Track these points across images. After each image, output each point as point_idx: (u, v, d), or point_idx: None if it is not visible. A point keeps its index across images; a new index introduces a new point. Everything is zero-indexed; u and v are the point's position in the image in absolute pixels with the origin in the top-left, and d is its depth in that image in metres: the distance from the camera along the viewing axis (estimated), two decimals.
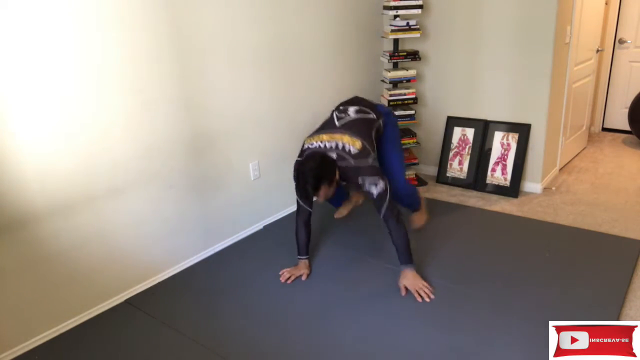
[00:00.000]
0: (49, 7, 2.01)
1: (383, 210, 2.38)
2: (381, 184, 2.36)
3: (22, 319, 2.17)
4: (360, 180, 2.37)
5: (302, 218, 2.59)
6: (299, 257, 2.66)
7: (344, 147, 2.39)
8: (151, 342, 2.21)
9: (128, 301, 2.51)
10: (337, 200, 3.25)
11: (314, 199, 2.47)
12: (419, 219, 3.08)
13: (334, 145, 2.41)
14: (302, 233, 2.62)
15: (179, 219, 2.73)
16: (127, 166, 2.42)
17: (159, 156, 2.56)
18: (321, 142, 2.44)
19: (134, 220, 2.50)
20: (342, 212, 3.30)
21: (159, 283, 2.66)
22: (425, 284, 2.43)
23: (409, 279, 2.44)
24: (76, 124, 2.19)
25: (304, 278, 2.61)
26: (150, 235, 2.60)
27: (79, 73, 2.16)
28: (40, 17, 1.99)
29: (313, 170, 2.28)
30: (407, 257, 2.45)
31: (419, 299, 2.37)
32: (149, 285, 2.63)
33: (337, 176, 2.38)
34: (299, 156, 2.51)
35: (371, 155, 2.42)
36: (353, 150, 2.39)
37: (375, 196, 2.37)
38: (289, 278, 2.59)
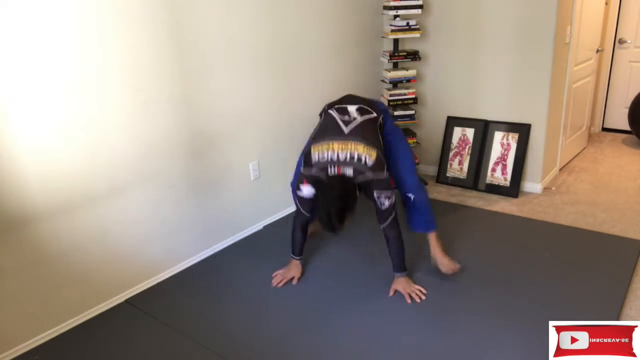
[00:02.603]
0: (49, 7, 2.01)
1: (388, 221, 2.36)
2: (393, 198, 2.34)
3: (22, 318, 2.17)
4: (376, 194, 2.30)
5: (300, 221, 2.56)
6: (292, 256, 2.62)
7: (359, 158, 2.24)
8: (151, 342, 2.21)
9: (128, 301, 2.51)
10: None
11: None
12: (447, 263, 2.55)
13: (348, 156, 2.24)
14: (298, 234, 2.57)
15: (178, 218, 2.73)
16: (127, 166, 2.42)
17: (159, 156, 2.56)
18: (333, 151, 2.26)
19: (134, 220, 2.50)
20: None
21: (159, 283, 2.66)
22: (418, 287, 2.44)
23: (402, 284, 2.45)
24: (76, 124, 2.19)
25: (295, 282, 2.57)
26: (150, 235, 2.60)
27: (79, 73, 2.16)
28: (40, 16, 1.99)
29: (337, 204, 2.17)
30: (402, 266, 2.45)
31: (409, 300, 2.38)
32: (149, 285, 2.63)
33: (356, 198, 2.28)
34: (306, 164, 2.34)
35: (385, 165, 2.32)
36: (370, 162, 2.25)
37: (385, 208, 2.33)
38: (280, 282, 2.57)
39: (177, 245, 2.75)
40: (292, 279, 2.58)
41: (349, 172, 2.25)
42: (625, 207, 3.35)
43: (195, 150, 2.73)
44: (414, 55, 3.68)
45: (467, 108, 3.83)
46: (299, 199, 2.43)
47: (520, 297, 2.37)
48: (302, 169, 2.37)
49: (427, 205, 2.58)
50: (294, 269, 2.61)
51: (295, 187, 2.43)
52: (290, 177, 2.83)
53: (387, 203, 2.33)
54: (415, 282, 2.48)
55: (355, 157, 2.25)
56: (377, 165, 2.27)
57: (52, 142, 2.12)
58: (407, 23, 3.56)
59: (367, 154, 2.25)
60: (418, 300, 2.37)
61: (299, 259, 2.63)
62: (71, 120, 2.17)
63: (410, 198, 2.55)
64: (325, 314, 2.33)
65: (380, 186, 2.31)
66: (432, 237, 2.57)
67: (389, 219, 2.36)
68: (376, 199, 2.32)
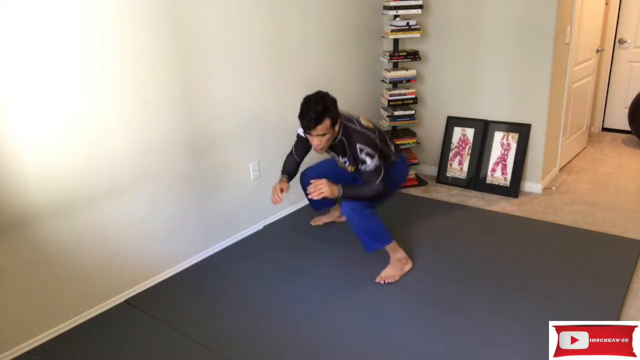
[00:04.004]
0: (49, 8, 2.01)
1: (374, 181, 2.38)
2: (376, 160, 2.36)
3: (22, 318, 2.17)
4: (358, 146, 2.36)
5: (298, 149, 2.70)
6: (282, 174, 2.72)
7: (357, 118, 2.50)
8: (151, 342, 2.21)
9: (128, 301, 2.51)
10: (320, 203, 2.96)
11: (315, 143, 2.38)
12: (391, 270, 2.60)
13: (345, 113, 2.50)
14: (291, 160, 2.73)
15: (179, 218, 2.73)
16: (127, 166, 2.42)
17: (159, 156, 2.56)
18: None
19: (134, 220, 2.50)
20: (321, 219, 3.24)
21: (159, 283, 2.66)
22: (322, 188, 2.35)
23: (327, 185, 2.36)
24: (76, 124, 2.19)
25: (285, 193, 2.62)
26: (150, 235, 2.60)
27: (80, 73, 2.16)
28: (41, 16, 1.99)
29: (321, 98, 2.30)
30: (348, 191, 2.41)
31: (311, 191, 2.37)
32: (149, 285, 2.63)
33: (338, 127, 2.40)
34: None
35: (378, 139, 2.44)
36: (363, 123, 2.47)
37: (369, 169, 2.37)
38: (276, 199, 2.55)
39: (177, 245, 2.76)
40: (281, 190, 2.60)
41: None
42: (625, 207, 3.35)
43: (196, 150, 2.73)
44: (414, 55, 3.68)
45: (467, 108, 3.83)
46: (297, 140, 2.70)
47: (520, 297, 2.37)
48: None
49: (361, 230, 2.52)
50: (281, 182, 2.65)
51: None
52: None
53: (369, 162, 2.36)
54: (415, 282, 2.48)
55: (351, 116, 2.51)
56: (368, 129, 2.45)
57: (53, 142, 2.12)
58: (407, 23, 3.56)
59: (365, 120, 2.50)
60: (314, 193, 2.36)
61: (286, 177, 2.70)
62: (71, 121, 2.17)
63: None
64: (325, 314, 2.33)
65: (363, 140, 2.38)
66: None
67: (376, 181, 2.38)
68: (358, 154, 2.36)
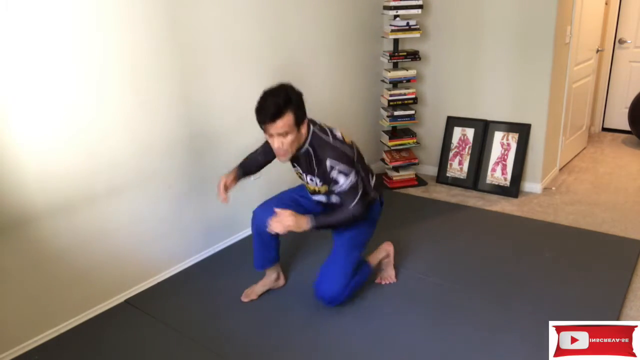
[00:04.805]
0: (50, 7, 2.01)
1: (349, 204, 2.03)
2: (352, 178, 2.02)
3: (22, 318, 2.17)
4: (329, 163, 2.00)
5: (265, 151, 2.30)
6: (236, 167, 2.33)
7: (332, 130, 2.11)
8: (151, 342, 2.21)
9: (128, 301, 2.51)
10: (266, 257, 2.46)
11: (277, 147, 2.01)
12: (387, 270, 2.53)
13: (318, 122, 2.15)
14: (253, 157, 2.36)
15: (178, 218, 2.73)
16: (127, 166, 2.42)
17: (159, 156, 2.56)
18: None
19: (133, 220, 2.50)
20: (254, 291, 2.49)
21: (158, 283, 2.66)
22: (289, 224, 2.01)
23: (292, 219, 2.01)
24: (76, 124, 2.19)
25: (229, 189, 2.24)
26: (150, 235, 2.60)
27: (80, 73, 2.16)
28: (41, 16, 1.99)
29: (283, 89, 1.96)
30: (320, 220, 2.06)
31: (270, 225, 2.03)
32: (148, 285, 2.63)
33: (305, 131, 2.03)
34: None
35: (357, 159, 2.12)
36: (339, 136, 2.10)
37: (342, 188, 2.02)
38: (223, 197, 2.23)
39: (177, 245, 2.75)
40: (225, 187, 2.23)
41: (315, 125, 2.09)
42: (625, 207, 3.35)
43: (195, 150, 2.73)
44: (414, 55, 3.68)
45: (467, 108, 3.83)
46: (264, 144, 2.30)
47: (520, 297, 2.37)
48: None
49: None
50: (227, 175, 2.28)
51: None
52: (290, 176, 2.83)
53: (342, 180, 2.01)
54: (414, 282, 2.48)
55: (328, 128, 2.13)
56: (345, 145, 2.07)
57: (53, 142, 2.12)
58: (407, 23, 3.56)
59: (342, 133, 2.12)
60: (276, 224, 2.02)
61: (238, 170, 2.32)
62: (71, 120, 2.17)
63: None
64: (325, 314, 2.33)
65: (334, 154, 2.02)
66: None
67: (352, 203, 2.02)
68: (327, 172, 2.01)
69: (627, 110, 4.73)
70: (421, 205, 3.53)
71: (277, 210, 2.05)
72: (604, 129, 5.19)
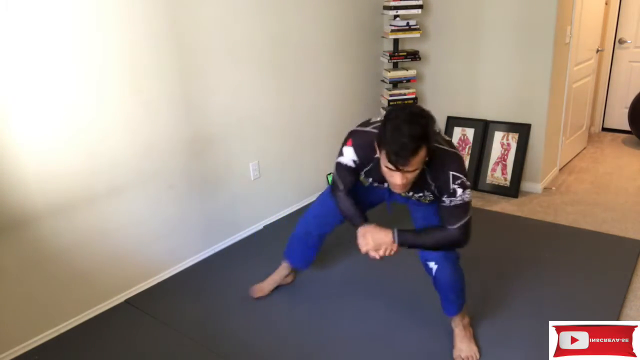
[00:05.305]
0: (50, 7, 2.01)
1: (457, 223, 1.71)
2: (469, 194, 1.69)
3: (22, 318, 2.17)
4: (452, 175, 1.66)
5: (346, 183, 1.89)
6: (359, 225, 1.89)
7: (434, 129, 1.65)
8: (151, 342, 2.21)
9: (128, 301, 2.51)
10: (309, 252, 2.34)
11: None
12: (468, 344, 2.03)
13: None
14: (348, 201, 1.91)
15: (179, 218, 2.73)
16: (127, 166, 2.42)
17: (159, 156, 2.56)
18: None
19: (134, 220, 2.50)
20: (262, 288, 2.47)
21: (159, 283, 2.66)
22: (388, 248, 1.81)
23: (374, 231, 1.81)
24: (76, 124, 2.19)
25: (389, 252, 1.84)
26: (150, 235, 2.60)
27: (80, 73, 2.16)
28: (41, 16, 1.99)
29: (418, 116, 1.54)
30: (407, 237, 1.82)
31: (376, 255, 1.82)
32: (149, 285, 2.63)
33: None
34: (360, 125, 1.85)
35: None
36: (447, 137, 1.77)
37: (455, 201, 1.69)
38: (377, 256, 1.86)
39: (177, 245, 2.75)
40: (386, 250, 1.84)
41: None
42: (625, 207, 3.35)
43: (196, 150, 2.73)
44: (414, 55, 3.68)
45: (467, 108, 3.83)
46: (338, 173, 1.88)
47: (521, 297, 2.37)
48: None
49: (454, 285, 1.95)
50: (380, 233, 1.85)
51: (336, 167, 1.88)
52: (290, 176, 2.83)
53: (460, 194, 1.67)
54: (414, 282, 2.48)
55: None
56: (451, 143, 1.74)
57: (52, 142, 2.12)
58: (407, 23, 3.56)
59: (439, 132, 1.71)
60: (368, 247, 1.81)
61: (365, 221, 1.91)
62: (71, 121, 2.17)
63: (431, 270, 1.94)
64: (325, 315, 2.33)
65: (457, 164, 1.67)
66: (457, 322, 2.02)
67: (460, 222, 1.70)
68: (449, 184, 1.66)
69: (627, 110, 4.73)
70: None
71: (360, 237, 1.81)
72: (604, 129, 5.19)
